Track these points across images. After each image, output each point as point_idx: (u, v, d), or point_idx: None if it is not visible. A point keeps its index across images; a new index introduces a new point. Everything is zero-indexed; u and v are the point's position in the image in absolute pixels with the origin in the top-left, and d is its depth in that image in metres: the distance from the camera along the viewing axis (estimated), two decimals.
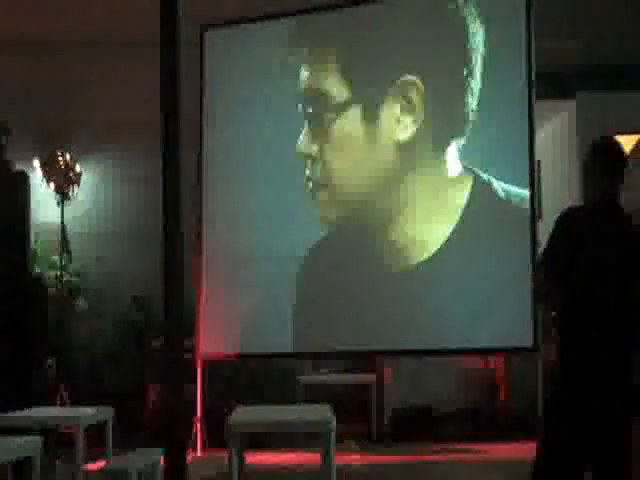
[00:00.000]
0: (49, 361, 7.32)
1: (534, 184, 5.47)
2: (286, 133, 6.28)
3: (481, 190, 5.63)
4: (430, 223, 5.75)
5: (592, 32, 8.06)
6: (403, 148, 5.84)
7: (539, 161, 5.71)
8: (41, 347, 6.98)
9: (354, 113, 5.94)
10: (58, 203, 8.17)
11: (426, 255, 5.76)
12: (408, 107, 5.83)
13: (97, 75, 8.73)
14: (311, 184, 6.10)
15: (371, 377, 7.50)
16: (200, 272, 6.36)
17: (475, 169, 5.63)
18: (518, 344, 5.58)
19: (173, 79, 3.85)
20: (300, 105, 6.21)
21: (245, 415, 4.66)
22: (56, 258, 8.11)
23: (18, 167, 7.31)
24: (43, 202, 8.32)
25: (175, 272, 3.51)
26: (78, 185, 8.42)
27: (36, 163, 8.36)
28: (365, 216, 6.00)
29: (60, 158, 8.27)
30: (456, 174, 5.68)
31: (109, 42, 8.47)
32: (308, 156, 6.09)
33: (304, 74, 6.19)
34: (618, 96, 7.57)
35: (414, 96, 5.83)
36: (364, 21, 6.12)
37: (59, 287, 7.93)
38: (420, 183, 5.83)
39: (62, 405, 7.14)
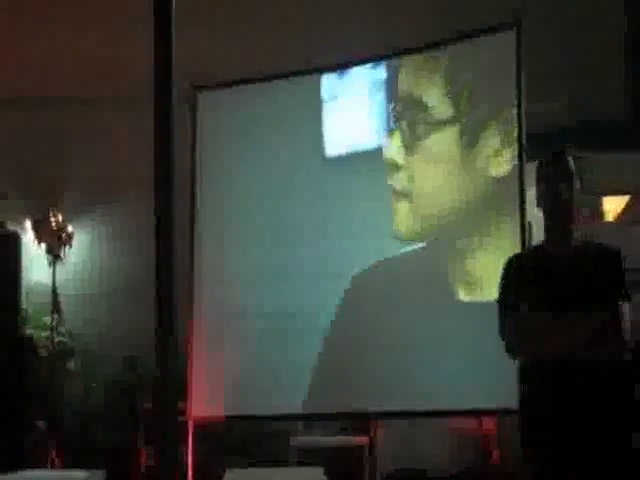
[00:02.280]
0: (40, 422, 7.26)
1: (524, 245, 5.46)
2: (279, 188, 6.29)
3: None
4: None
5: (579, 93, 8.13)
6: (497, 182, 5.56)
7: (529, 222, 5.71)
8: (31, 409, 6.93)
9: (452, 132, 5.70)
10: (50, 264, 8.16)
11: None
12: (510, 142, 5.52)
13: (89, 134, 8.77)
14: (392, 194, 5.90)
15: (364, 439, 7.41)
16: (191, 333, 6.33)
17: None
18: (505, 405, 5.49)
19: (167, 140, 3.89)
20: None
21: (237, 478, 4.62)
22: (47, 319, 8.08)
23: (9, 228, 7.33)
24: (34, 263, 8.30)
25: (168, 333, 3.51)
26: (70, 246, 8.41)
27: (28, 224, 8.36)
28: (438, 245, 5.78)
29: (52, 219, 8.28)
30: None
31: (101, 100, 8.52)
32: (394, 164, 5.89)
33: (403, 77, 5.99)
34: (606, 157, 7.59)
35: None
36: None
37: (50, 348, 7.88)
38: (500, 229, 5.56)
39: (53, 468, 7.07)
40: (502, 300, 3.68)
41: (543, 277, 3.56)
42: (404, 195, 5.84)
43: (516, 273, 3.68)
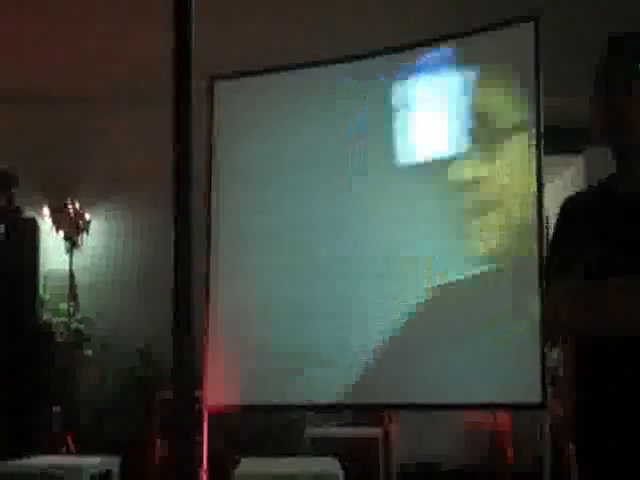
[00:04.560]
0: (55, 408, 7.28)
1: (542, 239, 5.43)
2: (291, 193, 6.24)
3: None
4: None
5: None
6: None
7: (547, 217, 5.67)
8: (46, 394, 6.96)
9: (530, 135, 5.42)
10: (67, 251, 8.19)
11: None
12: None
13: (107, 124, 8.80)
14: (467, 212, 5.58)
15: (377, 431, 7.38)
16: (207, 323, 6.32)
17: None
18: (524, 399, 5.45)
19: (185, 131, 3.89)
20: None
21: (251, 467, 4.62)
22: (64, 305, 8.11)
23: (28, 214, 7.36)
24: (52, 249, 8.34)
25: (185, 323, 3.51)
26: (87, 233, 8.44)
27: (46, 211, 8.39)
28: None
29: (70, 206, 8.31)
30: None
31: (118, 92, 8.54)
32: (471, 181, 5.62)
33: (476, 91, 5.70)
34: None
35: None
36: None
37: (66, 334, 7.91)
38: None
39: (68, 454, 7.09)
40: (550, 258, 2.49)
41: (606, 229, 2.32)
42: (489, 207, 5.54)
43: (576, 218, 2.47)
